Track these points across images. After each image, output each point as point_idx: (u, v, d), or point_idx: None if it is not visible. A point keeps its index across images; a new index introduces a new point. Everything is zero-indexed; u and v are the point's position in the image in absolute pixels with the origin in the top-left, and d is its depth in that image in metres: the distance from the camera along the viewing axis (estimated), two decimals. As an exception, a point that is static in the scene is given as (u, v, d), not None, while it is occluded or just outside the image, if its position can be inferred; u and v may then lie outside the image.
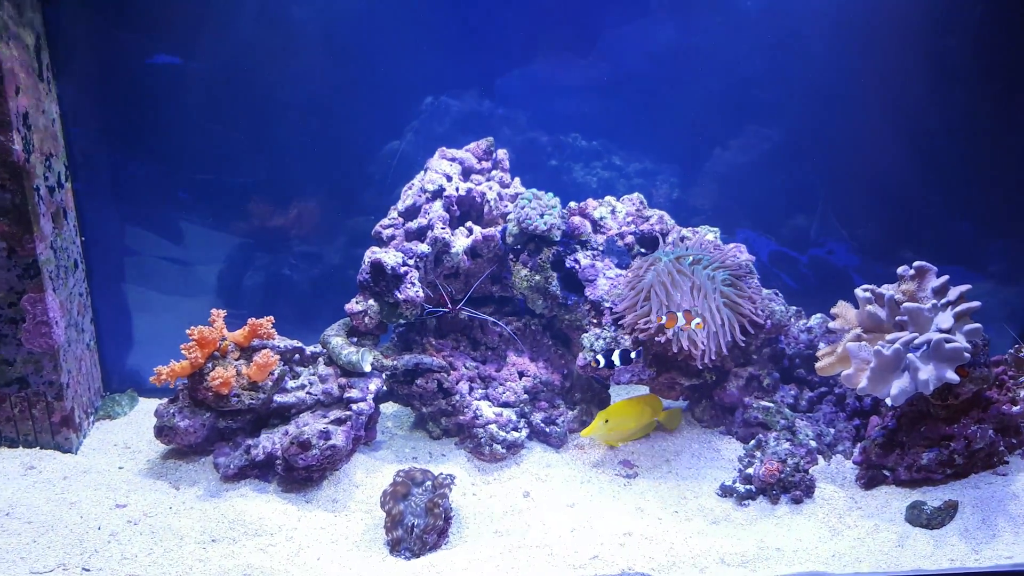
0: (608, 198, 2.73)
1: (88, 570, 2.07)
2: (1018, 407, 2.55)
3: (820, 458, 2.66)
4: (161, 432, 2.44)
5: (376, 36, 2.79)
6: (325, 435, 2.33)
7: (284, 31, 2.69)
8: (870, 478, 2.57)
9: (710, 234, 2.69)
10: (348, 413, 2.41)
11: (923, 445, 2.50)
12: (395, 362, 2.51)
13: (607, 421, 2.47)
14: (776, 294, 2.67)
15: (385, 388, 2.68)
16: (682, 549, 2.25)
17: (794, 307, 2.77)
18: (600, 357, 2.46)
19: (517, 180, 2.80)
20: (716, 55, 2.89)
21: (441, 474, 2.33)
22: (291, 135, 2.83)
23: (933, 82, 2.88)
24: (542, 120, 3.05)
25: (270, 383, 2.38)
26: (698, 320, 2.36)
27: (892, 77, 2.88)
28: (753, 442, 2.56)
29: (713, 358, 2.44)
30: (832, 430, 2.69)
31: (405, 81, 2.86)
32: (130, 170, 2.74)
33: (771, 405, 2.66)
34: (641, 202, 2.73)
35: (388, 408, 2.90)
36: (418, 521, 2.23)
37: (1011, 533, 2.25)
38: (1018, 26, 2.78)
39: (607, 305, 2.53)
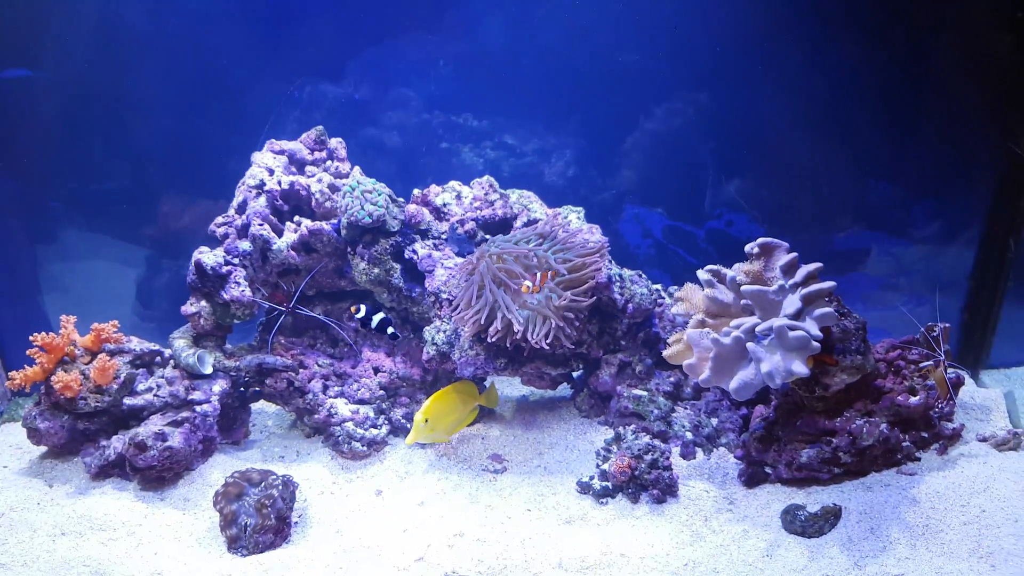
0: (453, 183, 2.59)
1: (-54, 559, 2.20)
2: (917, 398, 2.26)
3: (699, 451, 2.46)
4: (29, 434, 2.55)
5: (240, 29, 2.76)
6: (161, 436, 2.36)
7: (135, 34, 2.70)
8: (751, 475, 2.35)
9: (573, 215, 2.50)
10: (191, 415, 2.43)
11: (802, 441, 2.27)
12: (238, 363, 2.50)
13: (427, 421, 2.37)
14: (639, 275, 2.47)
15: (256, 388, 2.69)
16: (516, 552, 2.14)
17: (674, 287, 2.55)
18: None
19: (357, 169, 2.69)
20: (603, 29, 2.69)
21: (274, 475, 2.32)
22: (158, 137, 2.85)
23: (830, 34, 2.56)
24: (434, 101, 2.95)
25: (115, 386, 2.43)
26: (527, 283, 2.22)
27: (785, 32, 2.57)
28: (612, 435, 2.39)
29: (547, 343, 2.27)
30: (715, 420, 2.48)
31: (278, 71, 2.82)
32: (3, 185, 2.85)
33: (643, 394, 2.47)
34: (491, 185, 2.58)
35: (271, 408, 2.89)
36: (251, 520, 2.24)
37: (906, 545, 1.99)
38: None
39: (445, 296, 2.42)
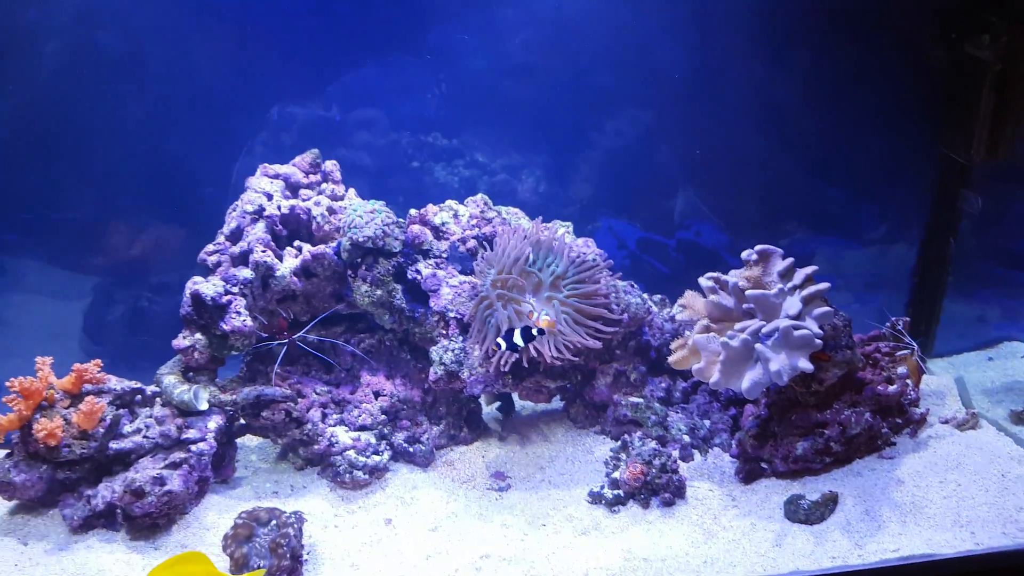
0: (449, 202, 2.61)
1: (-85, 641, 1.99)
2: (894, 386, 2.46)
3: (696, 453, 2.57)
4: (1, 488, 2.34)
5: (204, 51, 2.66)
6: (160, 481, 2.23)
7: (98, 54, 2.55)
8: (748, 472, 2.47)
9: (562, 229, 2.57)
10: (187, 455, 2.31)
11: (796, 434, 2.41)
12: (234, 396, 2.40)
13: None
14: (632, 286, 2.57)
15: (243, 421, 2.58)
16: (543, 568, 2.16)
17: (658, 295, 2.67)
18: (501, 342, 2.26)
19: (352, 191, 2.67)
20: (564, 45, 2.78)
21: (285, 512, 2.23)
22: (123, 163, 2.69)
23: (780, 49, 2.77)
24: (401, 121, 2.93)
25: (102, 430, 2.27)
26: (546, 317, 2.26)
27: (739, 48, 2.76)
28: (619, 443, 2.46)
29: (561, 358, 2.33)
30: (707, 422, 2.60)
31: (243, 94, 2.73)
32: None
33: (640, 400, 2.56)
34: (485, 203, 2.61)
35: (252, 441, 2.78)
36: (263, 563, 2.14)
37: (897, 523, 2.16)
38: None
39: (452, 315, 2.43)
